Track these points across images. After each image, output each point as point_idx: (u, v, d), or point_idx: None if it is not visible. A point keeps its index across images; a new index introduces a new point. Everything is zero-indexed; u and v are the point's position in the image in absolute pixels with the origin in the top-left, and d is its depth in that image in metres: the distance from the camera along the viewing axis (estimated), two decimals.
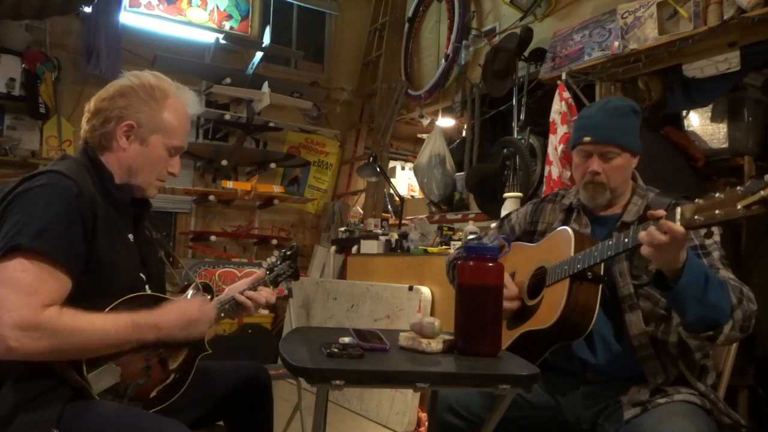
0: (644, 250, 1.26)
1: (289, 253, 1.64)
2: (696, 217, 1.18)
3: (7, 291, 1.11)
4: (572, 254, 1.46)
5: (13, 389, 1.17)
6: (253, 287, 1.53)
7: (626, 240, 1.34)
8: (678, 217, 1.21)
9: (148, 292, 1.38)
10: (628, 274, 1.49)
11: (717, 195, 1.16)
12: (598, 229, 1.62)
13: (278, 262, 1.62)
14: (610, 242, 1.39)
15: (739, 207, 1.11)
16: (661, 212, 1.25)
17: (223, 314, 1.49)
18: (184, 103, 1.42)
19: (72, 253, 1.18)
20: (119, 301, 1.26)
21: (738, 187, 1.12)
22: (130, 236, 1.38)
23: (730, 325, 1.33)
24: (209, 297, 1.47)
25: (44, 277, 1.15)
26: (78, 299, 1.20)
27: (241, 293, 1.51)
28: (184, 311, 1.33)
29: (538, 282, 1.57)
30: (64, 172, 1.23)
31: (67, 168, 1.26)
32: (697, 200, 1.20)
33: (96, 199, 1.25)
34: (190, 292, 1.45)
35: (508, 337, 1.56)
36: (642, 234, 1.27)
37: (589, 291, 1.44)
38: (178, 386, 1.37)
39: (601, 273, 1.46)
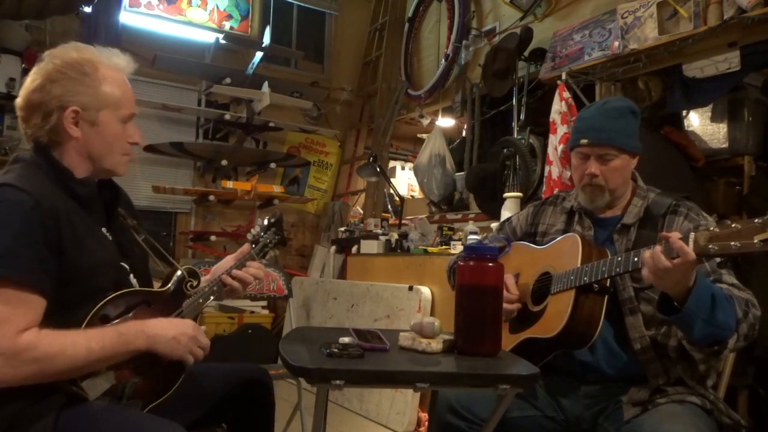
0: (645, 273, 1.25)
1: (272, 220, 1.55)
2: (710, 246, 1.16)
3: None
4: (579, 263, 1.46)
5: (4, 405, 1.13)
6: (241, 264, 1.46)
7: (636, 259, 1.33)
8: (691, 244, 1.19)
9: (134, 283, 1.34)
10: (629, 277, 1.48)
11: (733, 225, 1.13)
12: (599, 232, 1.61)
13: (262, 233, 1.53)
14: (619, 258, 1.38)
15: (756, 241, 1.08)
16: (677, 234, 1.23)
17: (212, 297, 1.42)
18: (116, 68, 1.32)
19: (39, 272, 1.12)
20: (104, 301, 1.22)
21: (756, 220, 1.10)
22: (104, 229, 1.32)
23: (734, 339, 1.33)
24: (196, 282, 1.41)
25: (14, 304, 1.09)
26: (66, 308, 1.17)
27: (228, 273, 1.44)
28: (177, 324, 1.28)
29: (542, 287, 1.57)
30: (16, 184, 1.15)
31: (20, 177, 1.18)
32: (712, 228, 1.17)
33: (56, 207, 1.17)
34: (175, 276, 1.39)
35: (511, 341, 1.55)
36: (646, 254, 1.25)
37: (594, 303, 1.44)
38: (176, 376, 1.33)
39: (608, 285, 1.46)
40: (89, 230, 1.26)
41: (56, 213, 1.17)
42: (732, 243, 1.12)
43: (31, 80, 1.26)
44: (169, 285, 1.39)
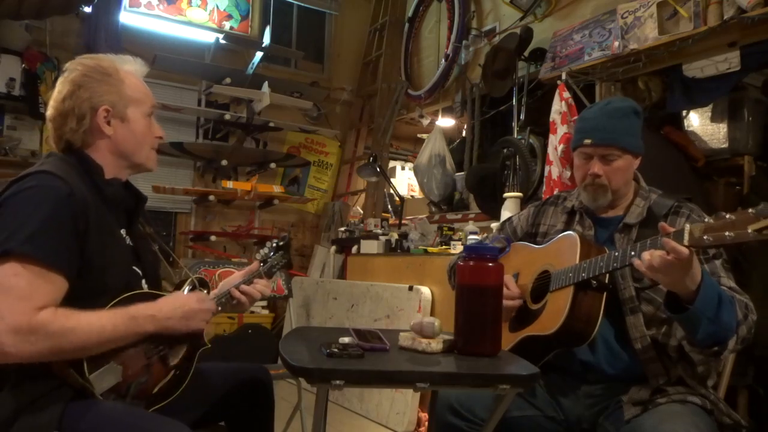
0: (643, 271, 1.26)
1: (281, 243, 1.62)
2: (705, 237, 1.16)
3: (0, 297, 1.11)
4: (577, 261, 1.46)
5: (12, 392, 1.16)
6: (248, 280, 1.52)
7: (633, 253, 1.33)
8: (686, 236, 1.20)
9: (145, 287, 1.37)
10: (630, 276, 1.48)
11: (728, 216, 1.14)
12: (600, 231, 1.62)
13: (271, 254, 1.61)
14: (617, 254, 1.38)
15: (750, 230, 1.09)
16: (670, 229, 1.24)
17: (219, 308, 1.47)
18: (131, 70, 1.41)
19: (65, 255, 1.17)
20: (116, 300, 1.25)
21: (750, 210, 1.11)
22: (123, 231, 1.36)
23: (734, 340, 1.33)
24: (205, 291, 1.46)
25: (37, 282, 1.13)
26: (75, 300, 1.19)
27: (236, 287, 1.50)
28: (183, 303, 1.32)
29: (541, 286, 1.57)
30: (54, 171, 1.21)
31: (57, 167, 1.24)
32: (707, 219, 1.18)
33: (87, 199, 1.23)
34: (186, 288, 1.44)
35: (510, 340, 1.56)
36: (645, 256, 1.26)
37: (593, 300, 1.44)
38: (180, 382, 1.36)
39: (606, 281, 1.46)
40: (110, 228, 1.31)
41: (86, 204, 1.22)
42: (726, 233, 1.13)
43: (58, 91, 1.33)
44: (181, 291, 1.43)
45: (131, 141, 1.36)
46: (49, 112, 1.34)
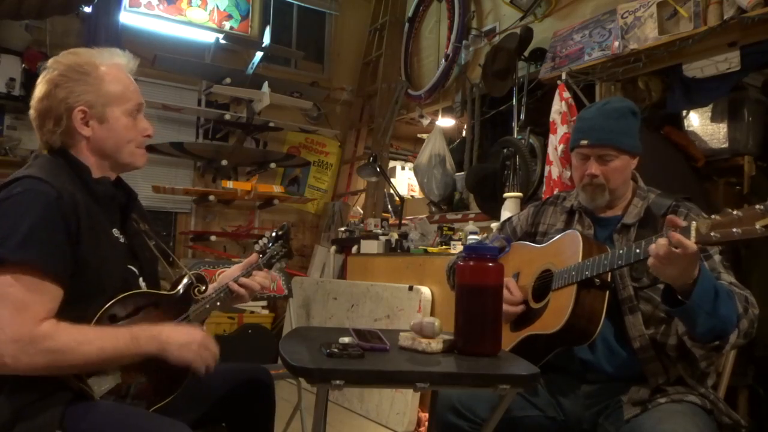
0: (650, 261, 1.25)
1: (280, 233, 1.58)
2: (712, 234, 1.16)
3: None
4: (580, 259, 1.45)
5: (11, 396, 1.15)
6: (247, 273, 1.49)
7: (638, 251, 1.33)
8: (693, 232, 1.19)
9: (142, 285, 1.36)
10: (629, 276, 1.48)
11: (735, 212, 1.13)
12: (599, 231, 1.62)
13: (270, 244, 1.57)
14: (621, 251, 1.38)
15: (758, 226, 1.08)
16: (681, 222, 1.23)
17: (218, 303, 1.44)
18: (116, 65, 1.35)
19: (59, 260, 1.15)
20: (114, 300, 1.24)
21: (757, 206, 1.10)
22: (115, 230, 1.34)
23: (736, 334, 1.33)
24: (203, 287, 1.43)
25: (33, 290, 1.12)
26: (72, 302, 1.18)
27: (235, 280, 1.47)
28: (188, 331, 1.30)
29: (543, 285, 1.57)
30: (40, 175, 1.19)
31: (42, 170, 1.21)
32: (713, 216, 1.17)
33: (76, 199, 1.20)
34: (184, 281, 1.42)
35: (512, 339, 1.55)
36: (651, 247, 1.25)
37: (596, 298, 1.43)
38: (180, 379, 1.34)
39: (609, 280, 1.45)
40: (103, 227, 1.29)
41: (76, 205, 1.20)
42: (734, 230, 1.12)
43: (38, 90, 1.31)
44: (178, 289, 1.41)
45: (111, 141, 1.32)
46: (30, 112, 1.32)
